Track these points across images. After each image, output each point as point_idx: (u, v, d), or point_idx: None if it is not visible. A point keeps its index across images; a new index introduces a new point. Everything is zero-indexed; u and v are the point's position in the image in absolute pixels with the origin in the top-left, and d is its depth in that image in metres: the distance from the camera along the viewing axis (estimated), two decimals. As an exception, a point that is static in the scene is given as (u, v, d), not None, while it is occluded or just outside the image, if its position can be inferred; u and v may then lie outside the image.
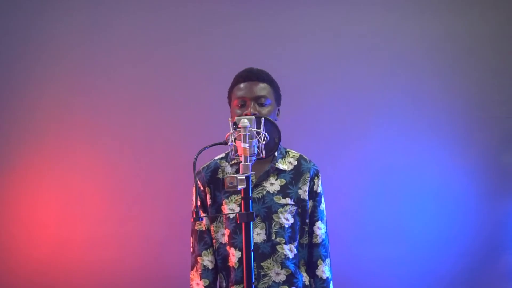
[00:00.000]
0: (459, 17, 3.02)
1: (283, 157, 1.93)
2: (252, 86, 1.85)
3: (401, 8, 3.03)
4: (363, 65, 3.00)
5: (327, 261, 1.93)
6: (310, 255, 1.92)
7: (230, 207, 1.86)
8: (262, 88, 1.86)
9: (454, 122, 2.99)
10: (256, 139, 1.53)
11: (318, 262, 1.91)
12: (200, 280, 1.88)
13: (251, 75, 1.88)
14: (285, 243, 1.84)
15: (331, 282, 1.93)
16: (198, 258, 1.91)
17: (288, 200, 1.86)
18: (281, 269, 1.83)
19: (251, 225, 1.51)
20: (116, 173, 2.94)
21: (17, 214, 2.92)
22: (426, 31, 3.02)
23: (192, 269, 1.92)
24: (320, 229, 1.92)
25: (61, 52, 2.98)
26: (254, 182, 1.85)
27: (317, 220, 1.92)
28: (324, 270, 1.91)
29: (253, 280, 1.51)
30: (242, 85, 1.87)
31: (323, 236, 1.93)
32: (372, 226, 2.94)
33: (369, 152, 2.97)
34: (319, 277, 1.90)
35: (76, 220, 2.92)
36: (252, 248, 1.50)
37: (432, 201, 2.96)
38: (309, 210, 1.91)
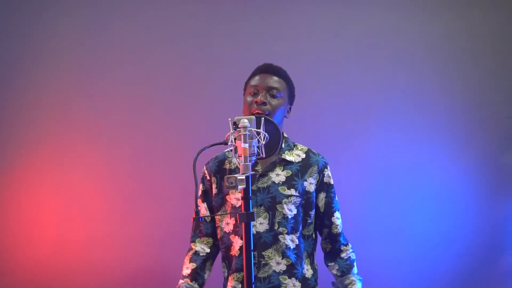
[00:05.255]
0: (459, 17, 3.02)
1: (291, 149, 1.95)
2: (267, 77, 1.91)
3: (401, 8, 3.03)
4: (363, 65, 3.00)
5: (350, 245, 2.00)
6: (333, 245, 1.98)
7: (236, 197, 1.89)
8: (276, 81, 1.91)
9: (454, 122, 2.99)
10: (256, 139, 1.53)
11: (343, 248, 1.98)
12: (189, 263, 1.93)
13: (269, 69, 1.93)
14: (287, 233, 1.85)
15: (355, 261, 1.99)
16: (192, 244, 1.97)
17: (293, 191, 1.87)
18: (282, 259, 1.85)
19: (251, 225, 1.51)
20: (116, 173, 2.94)
21: (17, 214, 2.92)
22: (426, 31, 3.02)
23: (186, 255, 1.97)
24: (339, 218, 1.98)
25: (61, 52, 2.98)
26: (260, 171, 1.88)
27: (335, 211, 1.98)
28: (349, 254, 1.97)
29: (253, 280, 1.51)
30: (257, 77, 1.92)
31: (341, 225, 1.99)
32: (372, 226, 2.94)
33: (369, 152, 2.97)
34: (344, 258, 1.96)
35: (76, 220, 2.92)
36: (252, 248, 1.50)
37: (432, 201, 2.96)
38: (323, 202, 1.95)
